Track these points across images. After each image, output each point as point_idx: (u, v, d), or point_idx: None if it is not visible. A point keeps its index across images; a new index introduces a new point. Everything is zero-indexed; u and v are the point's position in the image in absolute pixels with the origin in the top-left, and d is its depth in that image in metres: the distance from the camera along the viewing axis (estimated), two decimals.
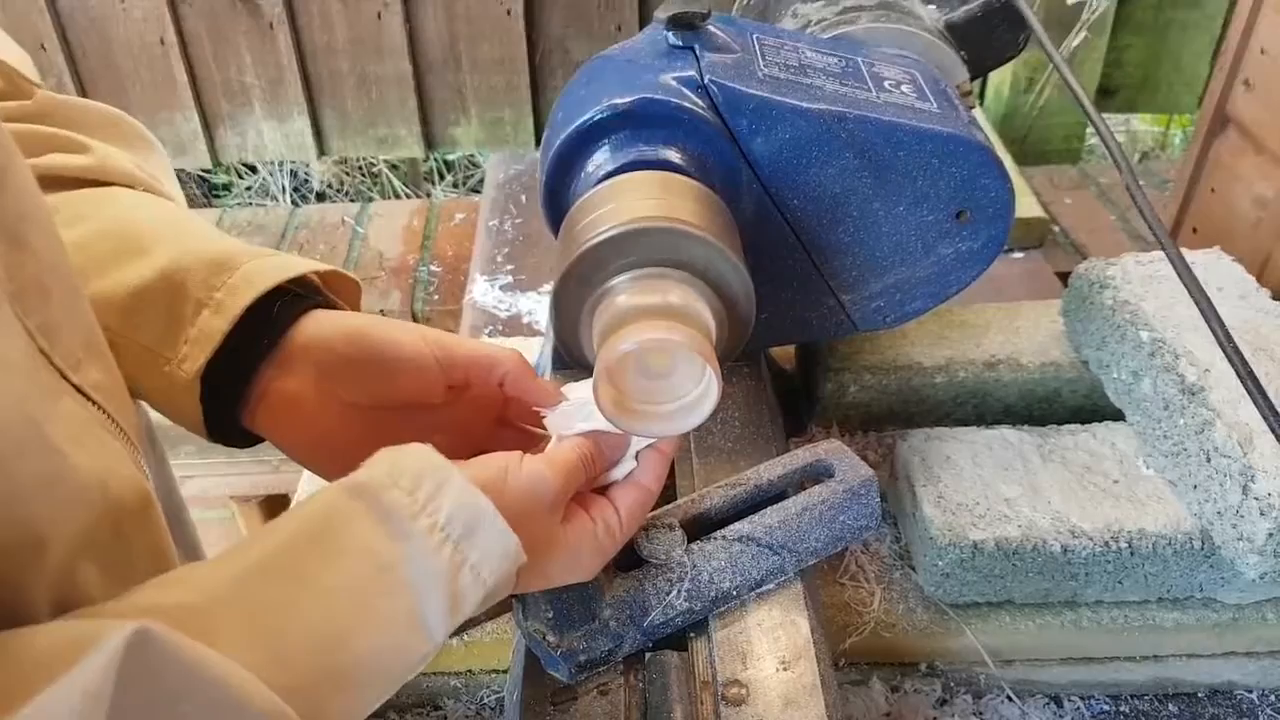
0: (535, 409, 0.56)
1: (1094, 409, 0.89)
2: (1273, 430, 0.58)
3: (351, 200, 2.26)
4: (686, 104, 0.65)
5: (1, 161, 0.40)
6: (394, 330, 0.55)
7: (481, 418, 0.59)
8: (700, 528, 0.63)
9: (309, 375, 0.54)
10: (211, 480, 1.35)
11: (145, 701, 0.32)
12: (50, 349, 0.40)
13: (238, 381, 0.54)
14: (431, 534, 0.43)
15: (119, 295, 0.52)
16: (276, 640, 0.38)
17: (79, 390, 0.42)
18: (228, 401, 0.54)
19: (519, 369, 0.57)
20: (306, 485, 0.87)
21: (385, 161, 2.33)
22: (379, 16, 1.78)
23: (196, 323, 0.52)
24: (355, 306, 0.61)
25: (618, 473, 0.56)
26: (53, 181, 0.57)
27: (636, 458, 0.56)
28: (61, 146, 0.58)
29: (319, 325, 0.55)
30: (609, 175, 0.63)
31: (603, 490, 0.56)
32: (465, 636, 0.75)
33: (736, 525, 0.62)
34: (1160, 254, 0.83)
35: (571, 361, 0.63)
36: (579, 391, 0.56)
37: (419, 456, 0.46)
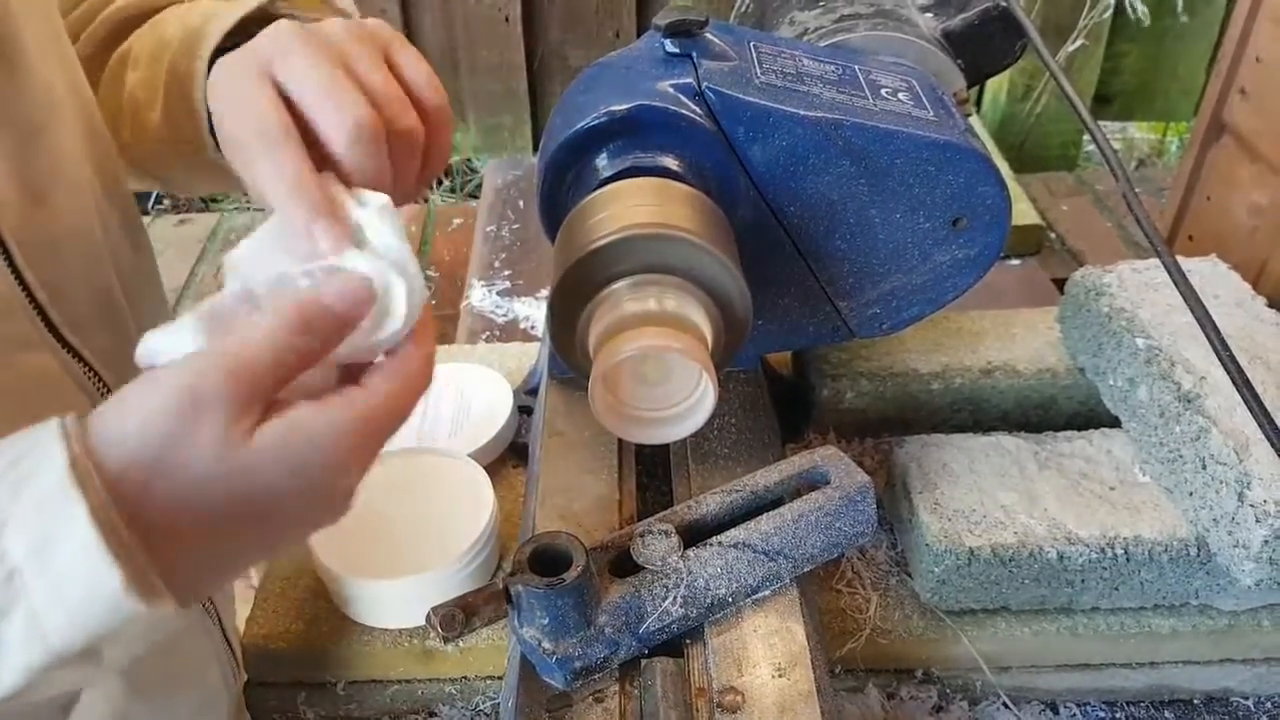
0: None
1: (1090, 416, 0.89)
2: (1268, 438, 0.58)
3: None
4: (684, 111, 0.65)
5: (40, 120, 0.41)
6: (229, 104, 0.48)
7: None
8: (696, 534, 0.63)
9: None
10: None
11: None
12: (50, 303, 0.40)
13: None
14: None
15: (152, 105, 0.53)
16: None
17: (73, 350, 0.41)
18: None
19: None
20: None
21: None
22: None
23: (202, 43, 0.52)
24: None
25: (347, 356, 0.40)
26: (121, 24, 0.58)
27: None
28: None
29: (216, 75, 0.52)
30: (606, 182, 0.64)
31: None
32: (461, 643, 0.75)
33: (733, 531, 0.62)
34: (1156, 261, 0.83)
35: (568, 367, 0.63)
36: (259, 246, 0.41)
37: (38, 430, 0.34)
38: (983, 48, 0.81)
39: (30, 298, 0.40)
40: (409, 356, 0.40)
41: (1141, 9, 1.63)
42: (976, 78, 0.82)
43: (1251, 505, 0.67)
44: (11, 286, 0.39)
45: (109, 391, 0.43)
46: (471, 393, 0.91)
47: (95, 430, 0.33)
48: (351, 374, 0.39)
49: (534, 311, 1.33)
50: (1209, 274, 0.89)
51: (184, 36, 0.53)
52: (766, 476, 0.67)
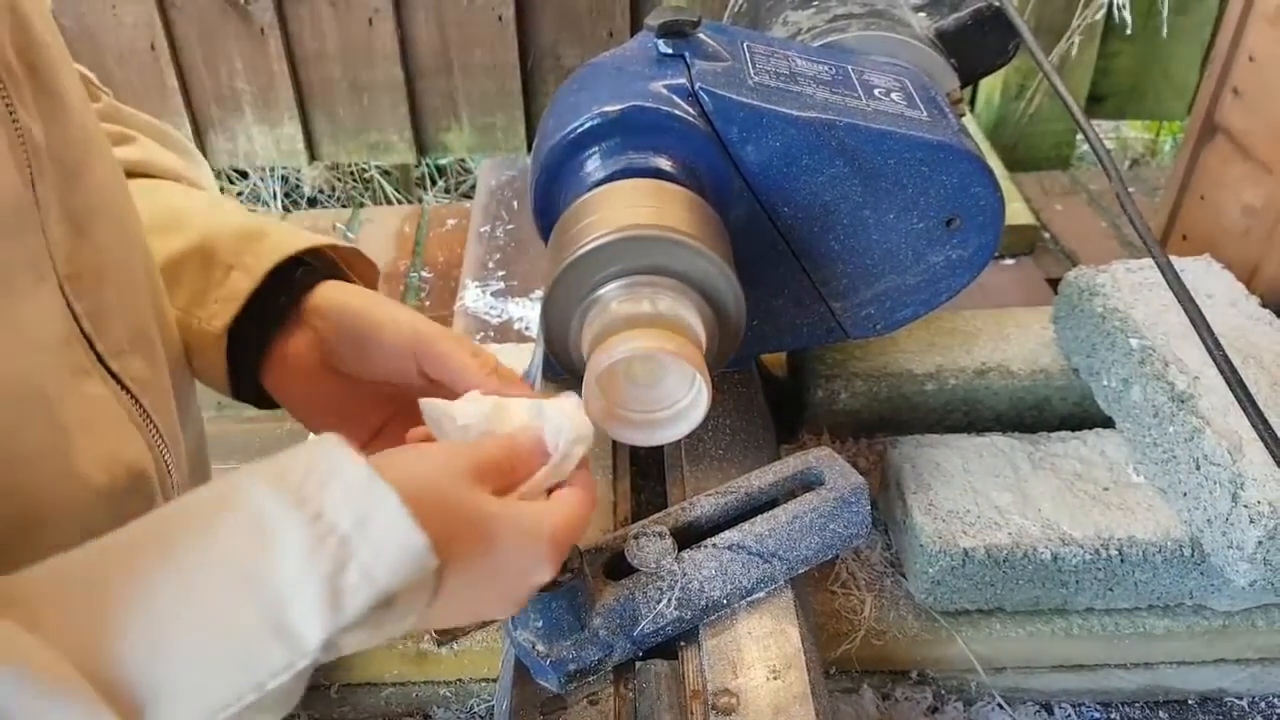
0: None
1: (1084, 416, 0.89)
2: (1262, 438, 0.58)
3: (343, 206, 2.26)
4: (677, 112, 0.65)
5: (80, 156, 0.44)
6: (386, 314, 0.57)
7: None
8: (690, 536, 0.63)
9: (311, 337, 0.57)
10: None
11: None
12: (94, 333, 0.43)
13: (258, 340, 0.57)
14: (315, 524, 0.39)
15: (159, 266, 0.56)
16: (106, 633, 0.35)
17: (115, 377, 0.44)
18: (249, 358, 0.57)
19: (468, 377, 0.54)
20: None
21: (377, 167, 2.32)
22: (370, 22, 1.78)
23: (226, 284, 0.56)
24: (372, 287, 0.64)
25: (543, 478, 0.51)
26: None
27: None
28: (116, 141, 0.63)
29: (328, 294, 0.58)
30: (599, 183, 0.63)
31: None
32: (455, 645, 0.75)
33: (727, 533, 0.62)
34: (1150, 261, 0.83)
35: (562, 369, 0.63)
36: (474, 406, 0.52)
37: (319, 445, 0.42)
38: (976, 47, 0.81)
39: (79, 327, 0.43)
40: (585, 485, 0.51)
41: (1126, 15, 1.63)
42: (970, 77, 0.82)
43: (1245, 506, 0.67)
44: (67, 317, 0.42)
45: (150, 420, 0.47)
46: None
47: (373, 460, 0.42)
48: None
49: (528, 312, 1.32)
50: (1202, 273, 0.89)
51: (240, 230, 0.58)
52: (761, 478, 0.67)
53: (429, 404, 0.51)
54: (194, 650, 0.36)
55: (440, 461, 0.46)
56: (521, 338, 1.29)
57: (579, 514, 0.49)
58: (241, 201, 2.36)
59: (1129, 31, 1.62)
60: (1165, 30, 1.67)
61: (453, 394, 0.54)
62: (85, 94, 0.50)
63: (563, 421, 0.50)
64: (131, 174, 0.62)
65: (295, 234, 0.59)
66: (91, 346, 0.43)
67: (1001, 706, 0.77)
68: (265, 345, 0.57)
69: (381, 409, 0.59)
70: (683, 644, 0.60)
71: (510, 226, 1.52)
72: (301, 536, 0.38)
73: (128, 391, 0.45)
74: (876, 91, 0.70)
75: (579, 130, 0.65)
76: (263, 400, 0.59)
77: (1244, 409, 0.59)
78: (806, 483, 0.67)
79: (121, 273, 0.47)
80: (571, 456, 0.50)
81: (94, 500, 0.40)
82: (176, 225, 0.59)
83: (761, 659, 0.58)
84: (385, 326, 0.56)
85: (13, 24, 0.41)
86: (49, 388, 0.39)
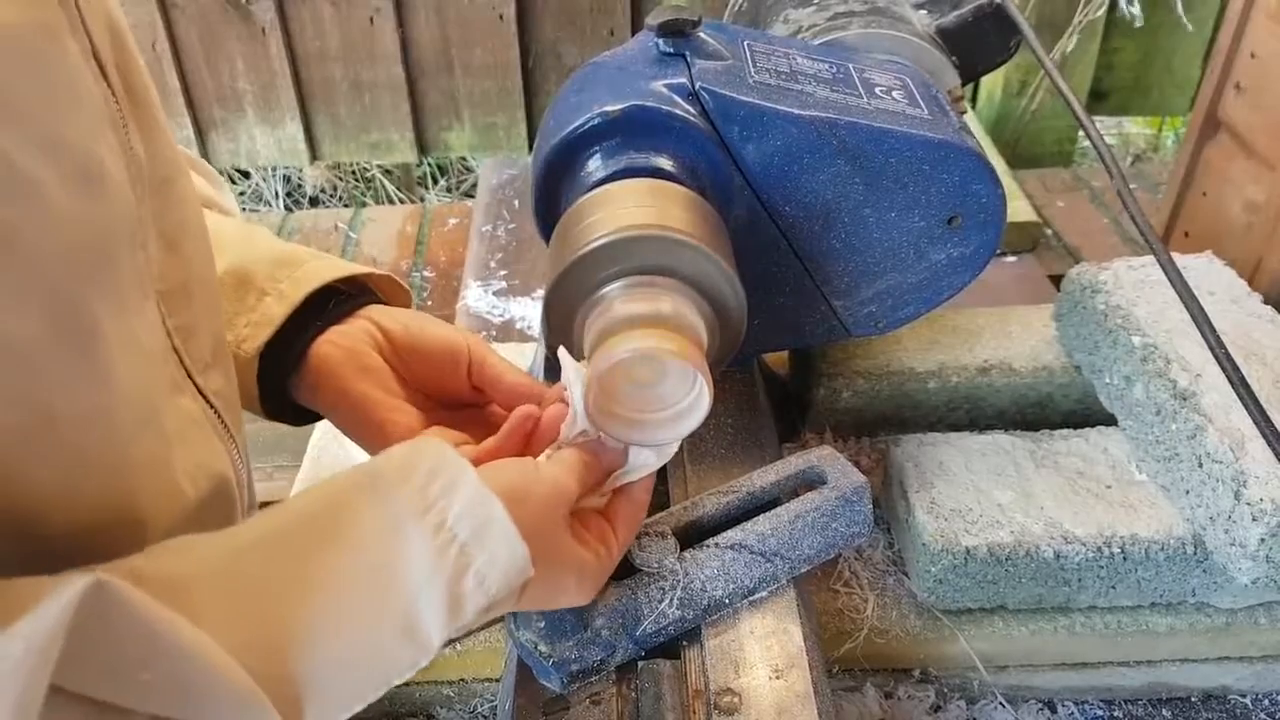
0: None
1: (1086, 414, 0.89)
2: (1264, 435, 0.58)
3: (345, 205, 2.26)
4: (678, 111, 0.65)
5: (169, 173, 0.45)
6: (438, 329, 0.60)
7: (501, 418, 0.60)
8: (693, 535, 0.63)
9: (353, 343, 0.58)
10: None
11: (101, 663, 0.31)
12: (184, 348, 0.44)
13: (291, 358, 0.58)
14: (438, 533, 0.42)
15: None
16: (259, 625, 0.37)
17: (200, 391, 0.45)
18: (281, 377, 0.58)
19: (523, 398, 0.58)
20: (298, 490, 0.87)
21: (378, 166, 2.32)
22: (371, 22, 1.78)
23: (259, 309, 0.57)
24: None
25: (609, 484, 0.55)
26: None
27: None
28: None
29: (374, 312, 0.60)
30: (600, 182, 0.63)
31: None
32: (458, 645, 0.75)
33: (729, 533, 0.62)
34: (1152, 258, 0.83)
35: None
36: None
37: (435, 452, 0.45)
38: (977, 45, 0.80)
39: (171, 343, 0.44)
40: (638, 505, 0.56)
41: (1133, 10, 1.63)
42: (971, 75, 0.82)
43: (1248, 503, 0.67)
44: (163, 332, 0.43)
45: (230, 433, 0.48)
46: None
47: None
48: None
49: (530, 312, 1.32)
50: (1205, 270, 0.89)
51: (276, 257, 0.59)
52: (763, 477, 0.67)
53: (565, 357, 0.55)
54: (342, 650, 0.39)
55: (549, 493, 0.50)
56: (523, 337, 1.29)
57: (626, 532, 0.55)
58: (243, 201, 2.36)
59: (1138, 25, 1.61)
60: (1186, 24, 1.66)
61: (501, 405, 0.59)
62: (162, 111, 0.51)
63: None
64: None
65: (332, 263, 0.60)
66: (181, 361, 0.44)
67: (1004, 705, 0.77)
68: (299, 361, 0.58)
69: (422, 417, 0.59)
70: (685, 643, 0.60)
71: (512, 226, 1.52)
72: (427, 543, 0.41)
73: (211, 406, 0.46)
74: (878, 90, 0.70)
75: (580, 130, 0.65)
76: (296, 416, 0.60)
77: (1246, 406, 0.59)
78: (809, 481, 0.67)
79: (204, 287, 0.48)
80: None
81: (186, 510, 0.42)
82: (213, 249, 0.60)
83: (764, 658, 0.58)
84: (438, 338, 0.59)
85: (113, 38, 0.41)
86: (156, 399, 0.40)
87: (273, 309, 0.57)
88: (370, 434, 0.57)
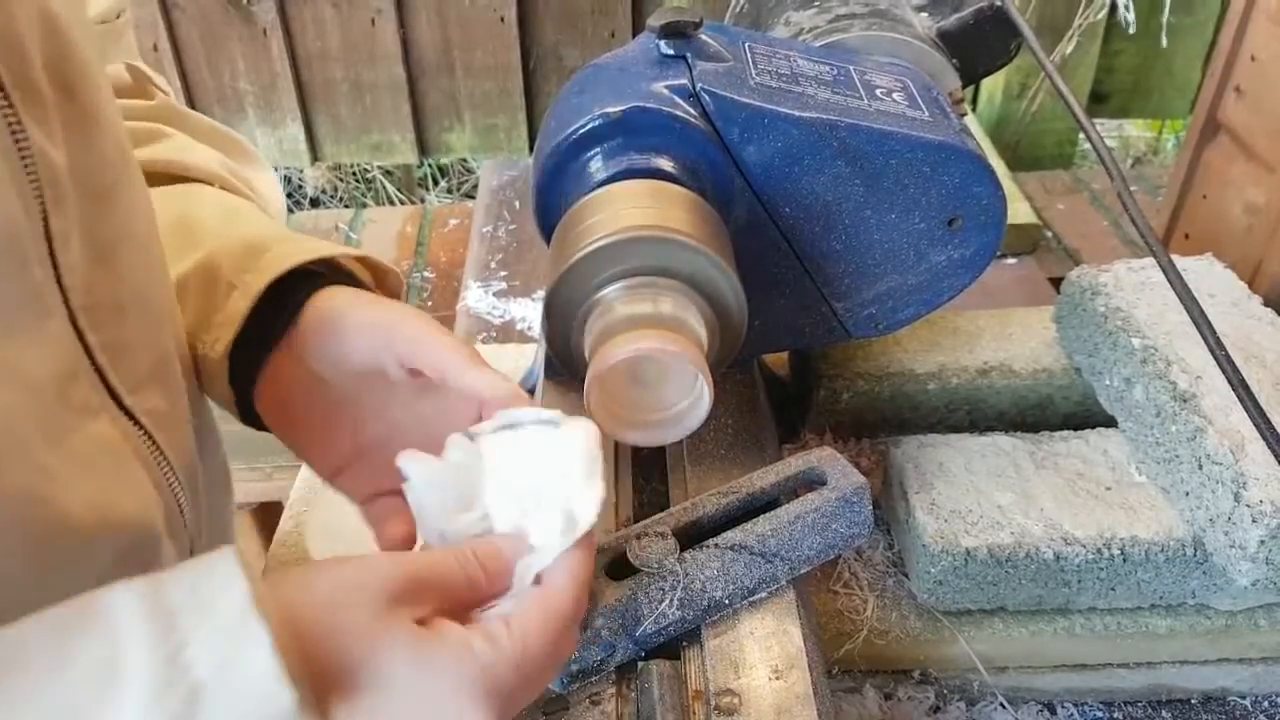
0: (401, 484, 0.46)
1: (1086, 416, 0.89)
2: (1264, 437, 0.58)
3: (345, 206, 2.26)
4: (678, 113, 0.65)
5: (112, 179, 0.41)
6: (359, 304, 0.53)
7: (460, 422, 0.52)
8: (693, 536, 0.63)
9: (293, 352, 0.53)
10: None
11: None
12: (109, 366, 0.41)
13: (257, 362, 0.53)
14: (167, 667, 0.32)
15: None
16: None
17: (129, 413, 0.42)
18: (247, 383, 0.54)
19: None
20: (300, 491, 0.87)
21: (379, 167, 2.33)
22: (372, 23, 1.78)
23: (225, 306, 0.52)
24: (396, 295, 0.59)
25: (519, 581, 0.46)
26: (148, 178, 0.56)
27: (537, 579, 0.45)
28: (145, 138, 0.59)
29: (318, 300, 0.53)
30: (601, 184, 0.63)
31: None
32: None
33: (729, 533, 0.62)
34: (1152, 260, 0.83)
35: (565, 370, 0.63)
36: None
37: (216, 559, 0.36)
38: (978, 47, 0.81)
39: (91, 361, 0.40)
40: (555, 594, 0.45)
41: (1128, 17, 1.63)
42: (972, 77, 0.82)
43: (1248, 505, 0.67)
44: (77, 351, 0.39)
45: (163, 457, 0.44)
46: None
47: (285, 577, 0.39)
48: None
49: (530, 313, 1.33)
50: (1205, 273, 0.89)
51: (245, 244, 0.54)
52: (763, 478, 0.67)
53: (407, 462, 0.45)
54: None
55: (353, 578, 0.38)
56: (524, 338, 1.30)
57: (547, 634, 0.42)
58: None
59: (1131, 32, 1.62)
60: (1165, 37, 1.67)
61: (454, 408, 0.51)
62: (119, 110, 0.46)
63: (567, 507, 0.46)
64: (156, 173, 0.58)
65: (298, 246, 0.54)
66: (104, 380, 0.41)
67: (1004, 706, 0.77)
68: (260, 367, 0.53)
69: (366, 425, 0.55)
70: (685, 644, 0.60)
71: (512, 227, 1.52)
72: (150, 680, 0.32)
73: (141, 427, 0.43)
74: (878, 92, 0.70)
75: (580, 131, 0.65)
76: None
77: (1246, 409, 0.59)
78: (809, 482, 0.67)
79: (143, 302, 0.44)
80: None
81: (84, 543, 0.38)
82: (192, 242, 0.55)
83: (764, 659, 0.58)
84: (349, 315, 0.52)
85: (45, 34, 0.38)
86: (27, 427, 0.36)
87: (238, 304, 0.52)
88: (311, 455, 0.53)
